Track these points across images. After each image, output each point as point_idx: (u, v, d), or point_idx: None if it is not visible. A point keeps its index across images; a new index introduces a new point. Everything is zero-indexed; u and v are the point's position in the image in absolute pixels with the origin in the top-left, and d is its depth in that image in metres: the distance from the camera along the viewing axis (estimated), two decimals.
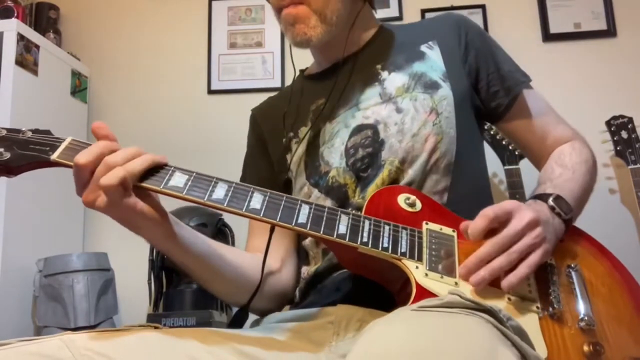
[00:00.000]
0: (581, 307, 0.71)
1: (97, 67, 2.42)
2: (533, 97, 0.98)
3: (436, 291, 0.66)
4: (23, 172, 0.70)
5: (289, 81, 2.26)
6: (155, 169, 0.70)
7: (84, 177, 0.68)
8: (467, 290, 0.68)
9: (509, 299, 0.69)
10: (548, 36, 2.20)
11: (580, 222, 0.85)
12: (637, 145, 1.86)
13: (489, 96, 0.96)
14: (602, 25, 2.17)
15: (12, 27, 1.94)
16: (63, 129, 2.14)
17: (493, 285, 0.69)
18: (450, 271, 0.70)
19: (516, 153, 1.88)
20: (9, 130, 0.71)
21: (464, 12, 2.21)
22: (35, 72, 2.02)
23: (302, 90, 1.03)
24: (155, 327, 0.71)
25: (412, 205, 0.78)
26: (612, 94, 2.10)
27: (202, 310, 1.78)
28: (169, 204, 0.75)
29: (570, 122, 1.01)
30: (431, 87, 0.91)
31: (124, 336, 0.67)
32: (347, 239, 0.70)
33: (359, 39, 0.99)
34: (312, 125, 0.96)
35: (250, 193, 0.71)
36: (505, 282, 0.68)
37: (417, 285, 0.67)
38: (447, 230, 0.75)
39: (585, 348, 0.67)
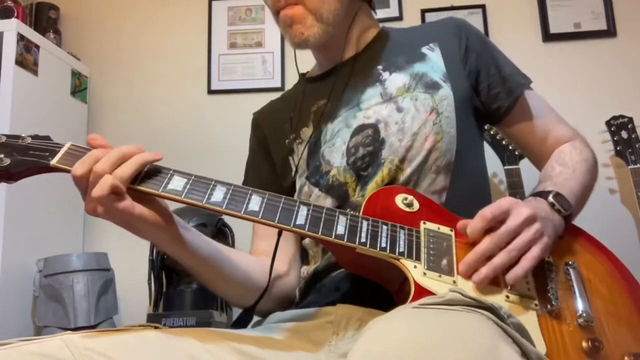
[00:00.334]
0: (579, 304, 0.71)
1: (97, 67, 2.42)
2: (533, 98, 0.98)
3: (435, 290, 0.67)
4: (23, 177, 0.71)
5: (289, 81, 2.29)
6: (154, 173, 0.70)
7: (83, 187, 0.68)
8: (466, 287, 0.68)
9: (508, 296, 0.69)
10: (548, 36, 2.20)
11: (580, 222, 0.85)
12: (637, 145, 1.86)
13: (489, 98, 0.96)
14: (602, 25, 2.17)
15: (12, 27, 1.94)
16: (63, 129, 2.16)
17: (491, 283, 0.69)
18: (448, 270, 0.70)
19: (516, 153, 1.88)
20: (8, 136, 0.71)
21: (464, 12, 2.22)
22: (35, 72, 2.02)
23: (303, 92, 1.04)
24: (155, 327, 0.71)
25: (410, 205, 0.78)
26: (612, 94, 2.10)
27: (202, 310, 1.78)
28: (169, 205, 0.75)
29: (570, 122, 1.01)
30: (432, 87, 0.91)
31: (124, 336, 0.67)
32: (345, 240, 0.70)
33: (359, 39, 0.99)
34: (314, 125, 0.96)
35: (248, 195, 0.71)
36: (511, 275, 0.68)
37: (416, 284, 0.68)
38: (445, 229, 0.76)
39: (584, 344, 0.67)
